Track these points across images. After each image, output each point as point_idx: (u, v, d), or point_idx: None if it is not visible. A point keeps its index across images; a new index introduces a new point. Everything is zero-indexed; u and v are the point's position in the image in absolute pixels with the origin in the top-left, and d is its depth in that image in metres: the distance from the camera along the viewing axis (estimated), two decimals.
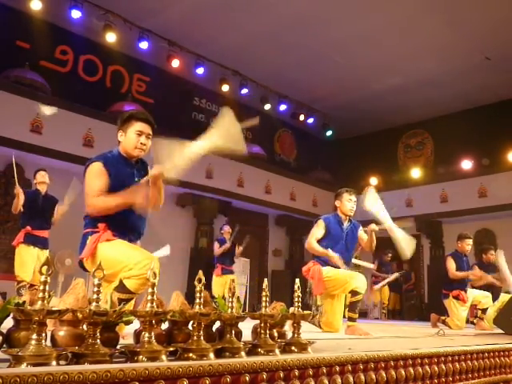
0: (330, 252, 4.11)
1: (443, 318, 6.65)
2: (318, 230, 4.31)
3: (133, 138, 2.81)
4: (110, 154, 2.87)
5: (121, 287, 2.50)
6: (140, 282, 2.47)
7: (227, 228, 8.86)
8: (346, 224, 4.43)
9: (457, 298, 6.39)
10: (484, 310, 6.16)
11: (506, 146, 11.44)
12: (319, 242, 4.28)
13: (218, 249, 8.60)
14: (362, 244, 4.52)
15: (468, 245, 6.68)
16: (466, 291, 6.42)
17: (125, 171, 2.80)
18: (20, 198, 5.59)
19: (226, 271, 8.50)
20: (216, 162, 10.97)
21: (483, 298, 6.39)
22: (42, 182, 5.77)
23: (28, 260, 5.55)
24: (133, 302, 2.63)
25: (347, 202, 4.46)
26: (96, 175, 2.70)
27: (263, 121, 13.62)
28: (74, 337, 1.51)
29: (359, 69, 11.50)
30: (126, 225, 2.71)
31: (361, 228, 4.53)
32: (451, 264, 6.47)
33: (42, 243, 5.64)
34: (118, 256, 2.56)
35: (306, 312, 1.99)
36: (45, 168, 6.08)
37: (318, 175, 14.08)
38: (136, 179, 2.79)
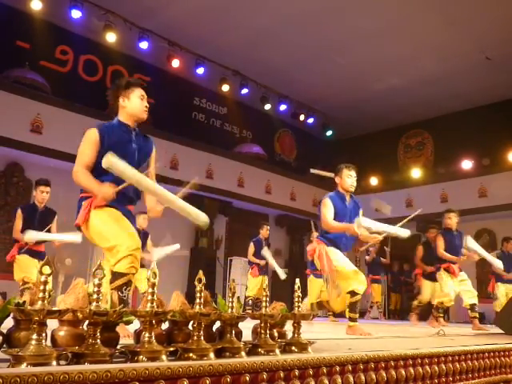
0: (349, 225, 4.04)
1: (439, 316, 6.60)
2: (329, 209, 4.20)
3: (138, 103, 2.95)
4: (109, 123, 2.99)
5: (114, 277, 2.63)
6: (129, 260, 2.64)
7: (266, 228, 8.43)
8: (348, 199, 4.35)
9: (447, 270, 6.38)
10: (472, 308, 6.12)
11: (506, 145, 11.44)
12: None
13: (252, 250, 8.22)
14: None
15: (449, 218, 6.67)
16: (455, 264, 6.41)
17: (123, 138, 2.92)
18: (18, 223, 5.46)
19: (262, 272, 8.15)
20: (216, 161, 10.99)
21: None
22: (41, 197, 5.54)
23: (30, 266, 5.39)
24: (133, 285, 2.80)
25: (347, 178, 4.36)
26: (88, 143, 2.84)
27: (263, 121, 13.66)
28: (74, 337, 1.51)
29: (359, 69, 11.50)
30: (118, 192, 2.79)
31: (361, 211, 4.39)
32: (440, 242, 6.49)
33: (38, 256, 5.45)
34: (106, 233, 2.74)
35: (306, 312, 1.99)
36: (47, 180, 5.67)
37: (318, 175, 14.07)
38: (134, 146, 2.95)
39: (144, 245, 6.85)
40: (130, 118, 2.97)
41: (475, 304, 6.03)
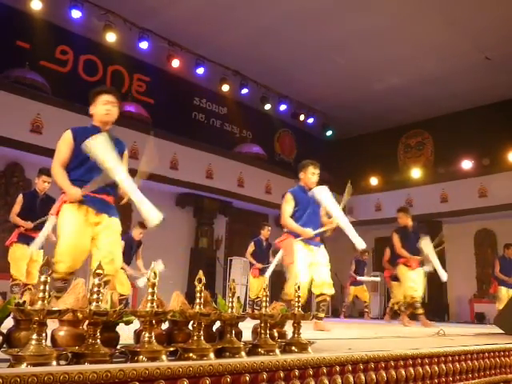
0: (305, 230, 4.42)
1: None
2: (289, 205, 4.61)
3: (101, 108, 3.32)
4: (83, 127, 3.40)
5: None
6: (59, 265, 3.13)
7: (267, 228, 8.41)
8: (309, 192, 4.66)
9: (405, 264, 6.57)
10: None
11: (506, 145, 11.45)
12: (294, 212, 4.57)
13: (251, 249, 8.27)
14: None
15: (399, 218, 6.77)
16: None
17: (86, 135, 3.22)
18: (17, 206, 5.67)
19: (263, 272, 8.27)
20: (216, 161, 10.99)
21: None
22: (43, 186, 5.78)
23: (21, 259, 5.60)
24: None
25: (311, 175, 4.71)
26: (63, 143, 3.27)
27: (263, 121, 13.66)
28: (74, 337, 1.51)
29: (359, 69, 11.50)
30: (88, 181, 3.16)
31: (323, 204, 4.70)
32: (397, 240, 6.62)
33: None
34: (62, 235, 3.16)
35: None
36: (48, 169, 5.94)
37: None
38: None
39: (137, 253, 6.96)
40: (98, 122, 3.35)
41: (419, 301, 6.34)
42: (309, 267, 4.45)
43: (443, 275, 6.74)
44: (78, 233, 3.16)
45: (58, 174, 3.21)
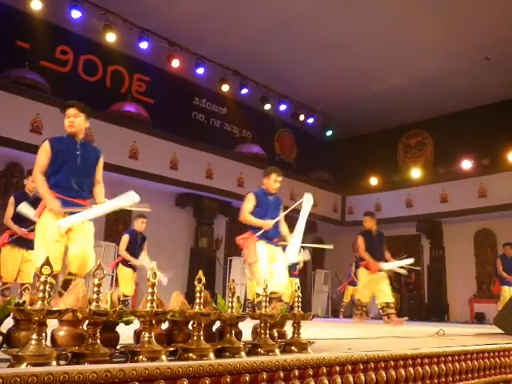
0: (266, 222, 4.75)
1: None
2: (250, 203, 4.93)
3: (65, 121, 3.73)
4: (60, 137, 3.77)
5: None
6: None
7: None
8: (270, 197, 5.04)
9: (366, 267, 6.83)
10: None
11: (506, 145, 11.44)
12: (252, 211, 4.91)
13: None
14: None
15: (365, 221, 7.11)
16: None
17: (68, 147, 3.69)
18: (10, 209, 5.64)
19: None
20: (216, 161, 10.98)
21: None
22: (32, 187, 5.77)
23: (10, 262, 5.58)
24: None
25: (273, 182, 5.03)
26: (42, 151, 3.65)
27: (263, 121, 13.66)
28: (74, 337, 1.51)
29: (359, 69, 11.50)
30: (66, 187, 3.58)
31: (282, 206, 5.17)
32: (361, 243, 6.90)
33: (27, 245, 5.54)
34: (41, 240, 3.50)
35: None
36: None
37: (317, 175, 14.08)
38: (77, 153, 3.69)
39: (141, 248, 6.97)
40: (69, 133, 3.75)
41: (391, 302, 6.52)
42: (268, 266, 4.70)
43: (402, 270, 7.09)
44: (54, 239, 3.50)
45: (39, 182, 3.61)
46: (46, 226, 3.52)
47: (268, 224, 4.71)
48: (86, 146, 3.79)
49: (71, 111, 3.73)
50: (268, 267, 4.67)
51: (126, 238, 6.96)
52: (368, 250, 6.78)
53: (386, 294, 6.53)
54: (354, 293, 10.56)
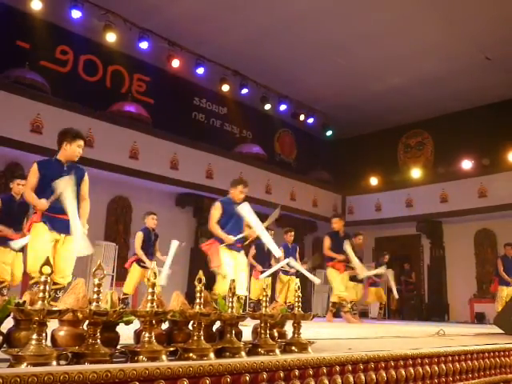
0: (228, 237, 5.09)
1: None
2: (217, 212, 5.26)
3: (76, 150, 4.13)
4: (47, 159, 4.22)
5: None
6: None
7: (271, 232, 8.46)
8: (235, 205, 5.24)
9: (333, 267, 7.23)
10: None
11: (506, 146, 11.44)
12: (220, 219, 5.23)
13: (253, 252, 8.32)
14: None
15: (334, 223, 7.46)
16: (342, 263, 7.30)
17: (56, 170, 4.04)
18: None
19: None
20: (216, 161, 10.98)
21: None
22: (18, 189, 5.85)
23: (3, 261, 5.65)
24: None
25: (239, 193, 5.36)
26: (31, 173, 4.07)
27: (263, 121, 13.66)
28: (74, 337, 1.51)
29: (359, 69, 11.50)
30: (53, 206, 3.93)
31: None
32: (326, 242, 7.33)
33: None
34: (32, 249, 3.93)
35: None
36: (21, 173, 6.24)
37: (317, 175, 14.08)
38: (64, 174, 3.98)
39: (155, 245, 7.05)
40: (65, 158, 4.11)
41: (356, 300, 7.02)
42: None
43: (362, 272, 7.53)
44: (45, 244, 3.92)
45: (27, 193, 4.07)
46: (35, 235, 3.96)
47: (230, 240, 5.08)
48: (72, 167, 4.14)
49: (82, 143, 4.14)
50: (232, 270, 5.06)
51: (140, 235, 6.98)
52: (334, 250, 7.21)
53: (353, 294, 7.00)
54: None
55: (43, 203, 3.89)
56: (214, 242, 5.25)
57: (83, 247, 3.80)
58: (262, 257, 8.28)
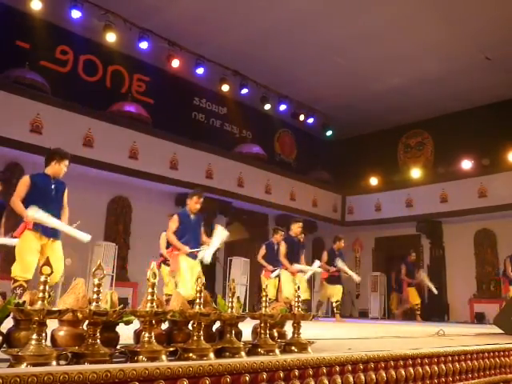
0: (184, 248, 5.68)
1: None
2: (174, 224, 5.82)
3: (62, 169, 4.69)
4: (38, 173, 4.68)
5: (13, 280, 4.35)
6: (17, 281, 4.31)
7: (280, 233, 8.28)
8: (192, 216, 5.95)
9: (286, 269, 7.65)
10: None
11: (506, 145, 11.44)
12: (177, 230, 5.79)
13: (262, 252, 8.23)
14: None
15: (297, 228, 7.92)
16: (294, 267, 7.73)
17: (45, 184, 4.60)
18: None
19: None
20: (216, 161, 10.98)
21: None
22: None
23: None
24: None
25: (194, 204, 5.91)
26: (21, 184, 4.55)
27: (263, 121, 13.66)
28: (74, 337, 1.51)
29: (359, 69, 11.50)
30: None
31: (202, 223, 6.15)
32: (283, 248, 7.72)
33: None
34: (21, 253, 4.38)
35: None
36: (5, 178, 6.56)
37: (318, 175, 14.07)
38: (52, 187, 4.61)
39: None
40: (52, 173, 4.65)
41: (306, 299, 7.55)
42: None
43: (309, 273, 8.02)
44: (32, 253, 4.38)
45: (16, 204, 4.46)
46: (24, 243, 4.39)
47: (185, 251, 5.67)
48: (57, 181, 4.73)
49: (67, 162, 4.72)
50: (189, 275, 5.60)
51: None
52: (288, 254, 7.65)
53: (303, 292, 7.41)
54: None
55: (29, 215, 4.30)
56: (173, 249, 5.85)
57: (81, 236, 4.40)
58: (272, 256, 8.21)
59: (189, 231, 5.82)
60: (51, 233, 4.46)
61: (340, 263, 8.65)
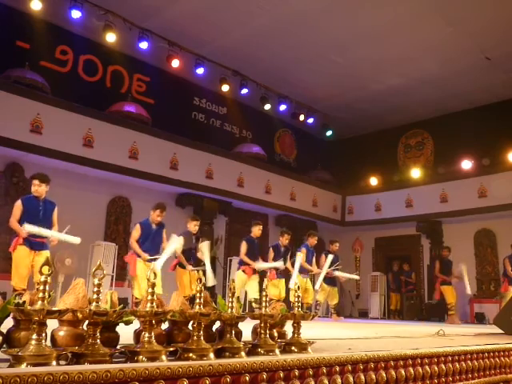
0: (144, 255, 6.22)
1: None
2: (137, 233, 6.36)
3: (33, 189, 5.46)
4: (28, 196, 5.50)
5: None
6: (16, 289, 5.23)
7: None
8: (154, 226, 6.47)
9: (244, 271, 7.71)
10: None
11: (506, 145, 11.44)
12: (139, 238, 6.34)
13: (271, 255, 8.22)
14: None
15: (254, 229, 7.92)
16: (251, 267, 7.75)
17: (34, 205, 5.43)
18: None
19: (279, 275, 8.17)
20: (216, 161, 10.98)
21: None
22: None
23: None
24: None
25: (156, 216, 6.44)
26: (15, 208, 5.41)
27: (263, 121, 13.66)
28: (74, 337, 1.51)
29: (359, 69, 11.50)
30: (30, 235, 5.31)
31: (164, 230, 6.65)
32: (243, 247, 7.77)
33: None
34: (16, 266, 5.30)
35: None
36: None
37: (318, 175, 14.08)
38: (40, 208, 5.43)
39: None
40: (37, 195, 5.43)
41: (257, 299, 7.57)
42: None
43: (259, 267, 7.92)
44: (25, 265, 5.25)
45: (13, 222, 5.34)
46: (18, 257, 5.26)
47: (145, 258, 6.19)
48: (45, 202, 5.50)
49: (36, 182, 5.40)
50: (143, 280, 5.89)
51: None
52: (248, 254, 7.69)
53: (254, 292, 7.60)
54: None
55: (24, 232, 5.18)
56: (133, 254, 6.35)
57: (71, 239, 5.27)
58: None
59: (149, 241, 6.38)
60: (38, 247, 5.31)
61: (337, 273, 8.87)
